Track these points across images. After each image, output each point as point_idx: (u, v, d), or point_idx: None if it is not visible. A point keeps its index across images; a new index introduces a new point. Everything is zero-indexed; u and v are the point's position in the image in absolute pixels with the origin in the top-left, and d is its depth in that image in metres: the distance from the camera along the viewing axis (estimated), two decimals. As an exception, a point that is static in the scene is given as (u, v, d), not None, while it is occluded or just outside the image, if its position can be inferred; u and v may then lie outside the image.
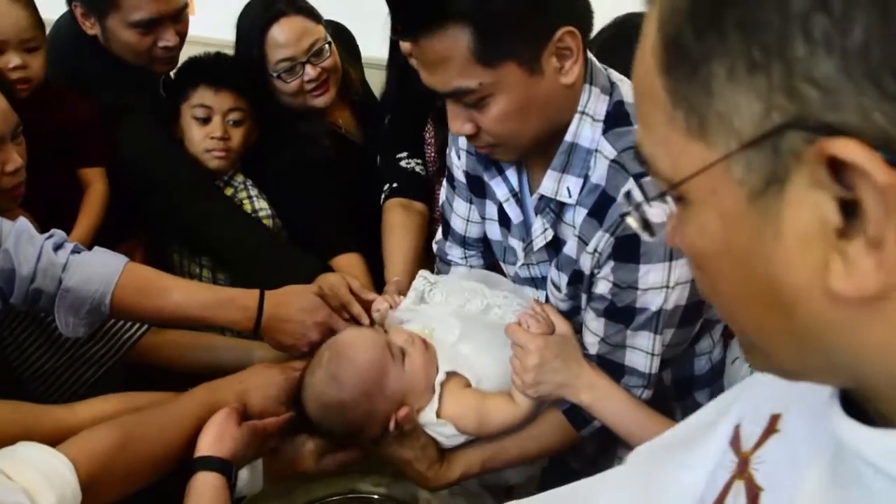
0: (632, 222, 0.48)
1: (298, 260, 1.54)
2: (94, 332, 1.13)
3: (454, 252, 1.38)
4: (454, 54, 0.93)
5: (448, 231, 1.36)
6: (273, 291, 1.14)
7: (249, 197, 1.66)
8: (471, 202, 1.29)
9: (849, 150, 0.33)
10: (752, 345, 0.45)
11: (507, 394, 1.11)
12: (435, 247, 1.43)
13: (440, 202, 1.38)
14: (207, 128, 1.58)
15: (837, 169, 0.34)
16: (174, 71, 1.65)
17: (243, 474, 1.03)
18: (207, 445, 0.95)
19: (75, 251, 1.05)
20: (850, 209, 0.34)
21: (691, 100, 0.38)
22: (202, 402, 1.00)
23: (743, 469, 0.53)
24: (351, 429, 1.06)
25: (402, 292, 1.30)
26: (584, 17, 1.00)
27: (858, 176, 0.33)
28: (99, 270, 1.03)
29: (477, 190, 1.25)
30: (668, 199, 0.44)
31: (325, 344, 1.10)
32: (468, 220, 1.31)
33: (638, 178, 0.97)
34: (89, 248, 1.44)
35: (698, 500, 0.58)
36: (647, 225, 0.47)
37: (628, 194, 0.47)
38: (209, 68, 1.60)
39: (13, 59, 1.41)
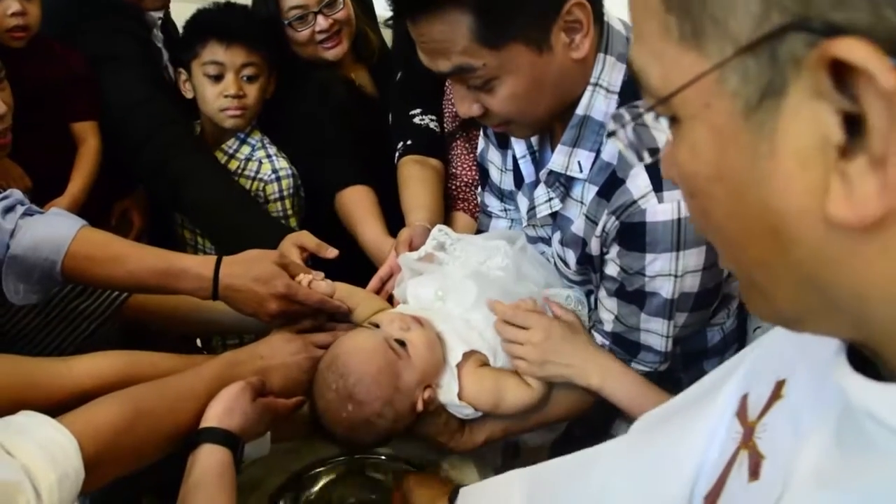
0: (618, 143, 0.45)
1: (270, 226, 1.49)
2: (84, 287, 1.09)
3: (493, 203, 1.36)
4: (455, 38, 0.90)
5: (486, 182, 1.34)
6: (230, 258, 1.06)
7: (269, 156, 1.62)
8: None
9: (854, 50, 0.30)
10: (751, 284, 0.42)
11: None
12: (479, 199, 1.42)
13: (478, 152, 1.35)
14: (221, 85, 1.53)
15: (841, 77, 0.31)
16: (182, 26, 1.59)
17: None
18: (216, 416, 0.90)
19: (28, 213, 0.99)
20: (852, 127, 0.31)
21: (685, 2, 0.36)
22: (218, 378, 0.95)
23: (748, 438, 0.52)
24: (383, 435, 1.05)
25: (417, 242, 1.28)
26: None
27: (864, 82, 0.30)
28: (49, 237, 0.97)
29: (501, 139, 1.22)
30: (663, 122, 0.41)
31: (323, 361, 1.05)
32: (502, 170, 1.27)
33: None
34: (85, 208, 1.43)
35: (696, 469, 0.57)
36: (633, 146, 0.45)
37: (617, 115, 0.44)
38: (219, 21, 1.54)
39: (12, 5, 1.38)
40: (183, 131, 1.54)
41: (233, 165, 1.61)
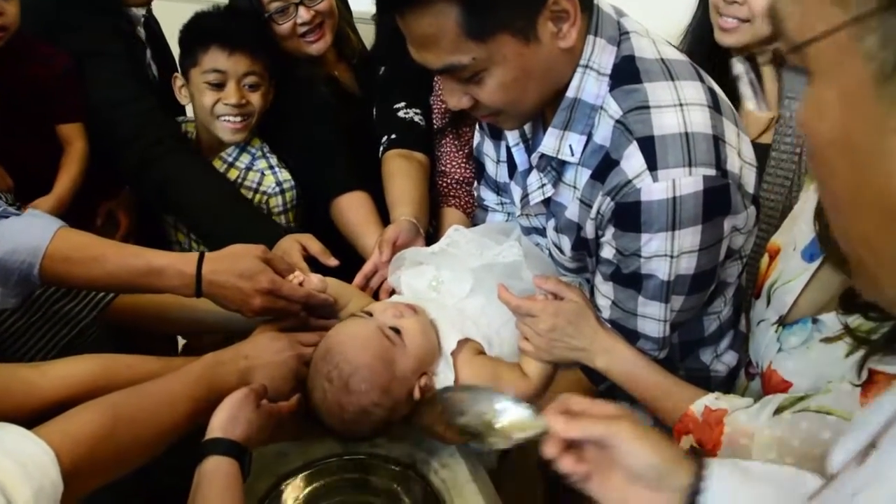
0: (743, 86, 0.44)
1: (260, 225, 1.48)
2: (69, 289, 1.09)
3: (489, 197, 1.36)
4: (443, 31, 0.90)
5: (482, 176, 1.34)
6: (213, 254, 1.06)
7: (271, 167, 1.59)
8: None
9: None
10: (860, 263, 0.39)
11: (520, 366, 1.09)
12: (475, 193, 1.42)
13: (474, 145, 1.34)
14: (221, 93, 1.49)
15: None
16: (179, 30, 1.57)
17: None
18: (220, 426, 0.89)
19: (3, 216, 0.98)
20: None
21: None
22: (200, 381, 0.94)
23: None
24: (380, 425, 1.04)
25: (402, 238, 1.27)
26: None
27: None
28: (25, 239, 0.96)
29: (495, 130, 1.22)
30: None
31: (317, 351, 1.04)
32: (497, 162, 1.27)
33: (641, 142, 0.94)
34: (71, 208, 1.42)
35: None
36: (754, 90, 0.43)
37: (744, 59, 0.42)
38: (221, 27, 1.50)
39: None
40: (170, 130, 1.53)
41: (233, 175, 1.58)
